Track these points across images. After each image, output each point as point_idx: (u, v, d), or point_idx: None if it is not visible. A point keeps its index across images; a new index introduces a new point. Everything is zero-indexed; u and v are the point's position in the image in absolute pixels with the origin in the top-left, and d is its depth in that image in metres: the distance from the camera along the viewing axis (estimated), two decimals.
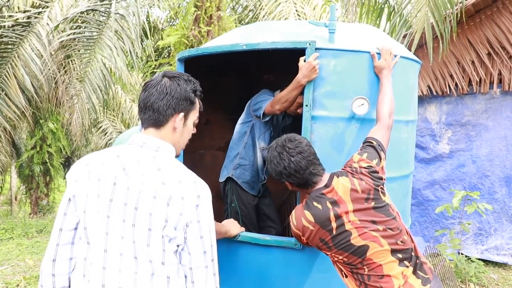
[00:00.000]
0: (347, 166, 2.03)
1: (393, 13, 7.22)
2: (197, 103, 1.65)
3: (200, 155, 3.72)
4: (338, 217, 1.89)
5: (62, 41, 6.45)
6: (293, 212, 2.03)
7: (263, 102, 2.91)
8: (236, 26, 9.26)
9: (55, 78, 6.61)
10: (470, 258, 5.05)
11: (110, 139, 15.49)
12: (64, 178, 17.03)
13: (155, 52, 11.12)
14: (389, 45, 2.43)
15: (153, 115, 1.53)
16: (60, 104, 7.03)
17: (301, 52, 2.30)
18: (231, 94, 3.80)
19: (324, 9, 9.08)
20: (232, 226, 2.39)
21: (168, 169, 1.48)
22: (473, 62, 5.41)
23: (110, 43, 6.41)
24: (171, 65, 8.45)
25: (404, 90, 2.52)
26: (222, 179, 3.19)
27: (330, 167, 2.32)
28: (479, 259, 5.15)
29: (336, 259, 1.95)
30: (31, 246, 6.42)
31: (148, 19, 9.28)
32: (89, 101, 6.43)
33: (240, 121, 3.18)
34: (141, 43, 9.17)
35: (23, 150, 13.74)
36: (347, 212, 1.89)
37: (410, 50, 5.32)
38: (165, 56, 11.13)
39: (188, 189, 1.46)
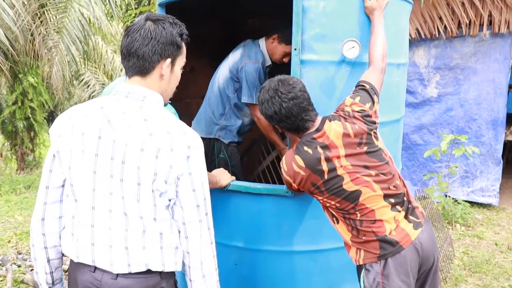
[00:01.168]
0: (339, 110, 1.96)
1: None
2: (184, 48, 1.54)
3: (186, 104, 3.63)
4: (329, 160, 1.84)
5: None
6: (283, 158, 1.98)
7: (255, 96, 2.85)
8: None
9: (30, 29, 6.32)
10: (456, 200, 5.15)
11: (93, 92, 15.19)
12: (48, 133, 16.81)
13: (134, 0, 10.70)
14: None
15: (138, 62, 1.42)
16: (38, 57, 6.78)
17: None
18: (216, 41, 3.65)
19: None
20: (222, 176, 2.34)
21: (156, 119, 1.41)
22: (463, 3, 5.27)
23: None
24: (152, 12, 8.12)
25: (395, 32, 2.42)
26: (204, 135, 3.08)
27: (321, 112, 2.25)
28: (465, 201, 5.26)
29: (328, 204, 1.93)
30: (19, 202, 6.38)
31: None
32: (69, 53, 6.20)
33: (222, 77, 3.03)
34: None
35: (4, 106, 13.43)
36: (338, 157, 1.85)
37: None
38: (145, 4, 10.73)
39: (178, 140, 1.39)
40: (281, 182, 3.36)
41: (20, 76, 11.72)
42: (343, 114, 1.92)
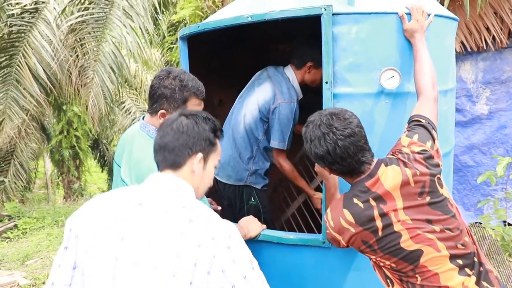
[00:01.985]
0: (396, 152, 1.68)
1: None
2: (218, 144, 1.46)
3: None
4: (384, 215, 1.57)
5: (71, 25, 6.21)
6: (328, 210, 1.71)
7: (287, 140, 2.60)
8: None
9: (68, 63, 6.42)
10: None
11: (134, 118, 15.45)
12: (95, 159, 17.28)
13: (171, 26, 10.82)
14: (420, 2, 2.05)
15: (169, 156, 1.37)
16: (77, 90, 6.88)
17: (316, 19, 1.95)
18: (244, 70, 3.47)
19: None
20: (251, 226, 2.12)
21: (194, 206, 1.28)
22: None
23: (119, 22, 6.13)
24: None
25: (440, 55, 2.15)
26: (233, 181, 2.75)
27: None
28: None
29: (382, 264, 1.65)
30: (60, 235, 6.39)
31: None
32: (104, 85, 6.22)
33: (250, 116, 2.66)
34: (156, 18, 8.87)
35: (52, 136, 13.87)
36: (395, 210, 1.57)
37: (442, 5, 4.84)
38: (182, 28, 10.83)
39: (218, 229, 1.22)
40: (310, 229, 3.09)
41: (64, 107, 12.10)
42: (402, 157, 1.63)
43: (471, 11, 4.73)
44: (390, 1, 2.02)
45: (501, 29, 4.96)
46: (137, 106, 15.44)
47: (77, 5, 6.44)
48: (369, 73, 1.97)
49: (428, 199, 1.58)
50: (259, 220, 2.44)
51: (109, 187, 18.10)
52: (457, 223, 1.61)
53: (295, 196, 3.30)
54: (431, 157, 1.63)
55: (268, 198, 2.87)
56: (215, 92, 3.27)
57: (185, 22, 10.19)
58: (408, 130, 1.74)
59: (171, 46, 10.28)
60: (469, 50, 5.19)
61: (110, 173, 17.67)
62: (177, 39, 9.75)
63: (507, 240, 4.33)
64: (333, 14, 1.90)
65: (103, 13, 6.26)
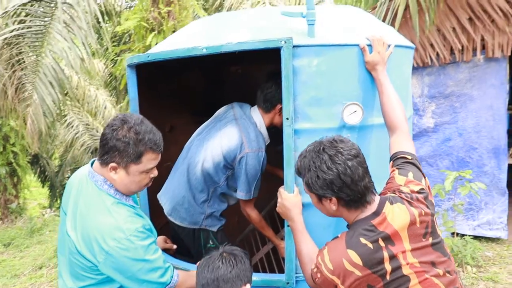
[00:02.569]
0: (396, 191, 1.60)
1: None
2: None
3: (167, 168, 3.29)
4: (393, 257, 1.48)
5: (6, 39, 5.79)
6: (324, 251, 1.56)
7: (253, 190, 2.41)
8: (197, 3, 8.66)
9: (3, 79, 5.99)
10: (464, 236, 4.82)
11: (77, 133, 14.80)
12: (35, 175, 16.36)
13: (115, 37, 10.46)
14: (380, 33, 2.02)
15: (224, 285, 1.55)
16: (16, 95, 6.41)
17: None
18: (196, 94, 3.35)
19: None
20: None
21: None
22: (454, 29, 5.04)
23: (60, 36, 5.79)
24: (132, 50, 7.82)
25: (401, 85, 2.13)
26: (187, 224, 2.54)
27: None
28: (472, 236, 4.94)
29: None
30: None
31: (100, 5, 8.57)
32: (43, 103, 5.85)
33: (211, 162, 2.42)
34: (99, 28, 8.50)
35: None
36: (404, 252, 1.49)
37: (386, 15, 4.94)
38: (126, 40, 10.48)
39: None
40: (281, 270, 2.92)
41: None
42: (405, 196, 1.56)
43: (420, 32, 4.85)
44: (351, 32, 1.97)
45: (444, 46, 5.13)
46: (80, 120, 14.80)
47: (12, 17, 6.03)
48: (330, 107, 1.91)
49: (430, 240, 1.53)
50: None
51: (51, 203, 17.21)
52: (453, 265, 1.57)
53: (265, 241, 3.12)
54: (428, 196, 1.59)
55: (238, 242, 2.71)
56: (165, 118, 3.12)
57: (130, 33, 9.89)
58: (398, 169, 1.68)
59: (115, 58, 9.93)
60: (415, 65, 5.32)
61: (52, 188, 16.79)
62: (121, 50, 9.45)
63: (456, 251, 4.45)
64: (293, 47, 1.82)
65: (42, 26, 5.90)
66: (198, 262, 1.67)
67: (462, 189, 4.28)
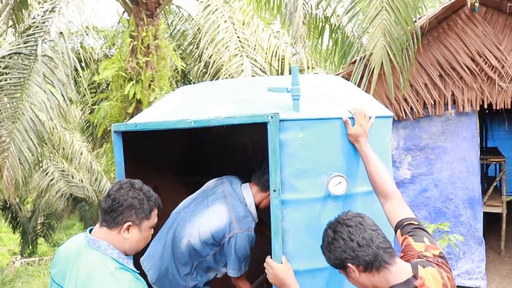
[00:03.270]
0: (420, 256, 1.64)
1: (335, 31, 7.10)
2: None
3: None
4: None
5: None
6: None
7: (244, 267, 2.40)
8: (175, 51, 8.82)
9: None
10: None
11: (52, 179, 14.51)
12: (6, 220, 15.81)
13: (92, 84, 10.48)
14: (361, 104, 2.12)
15: None
16: None
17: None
18: (178, 154, 3.38)
19: (263, 30, 8.87)
20: None
21: None
22: (426, 84, 5.28)
23: (39, 89, 5.80)
24: (110, 99, 7.84)
25: (382, 153, 2.21)
26: None
27: (308, 256, 1.98)
28: None
29: None
30: None
31: (78, 52, 8.64)
32: (21, 154, 5.77)
33: (198, 238, 2.41)
34: (76, 77, 8.52)
35: None
36: None
37: (362, 78, 5.14)
38: (104, 88, 10.52)
39: None
40: None
41: None
42: (432, 260, 1.61)
43: (394, 89, 5.05)
44: (334, 105, 2.06)
45: (417, 100, 5.35)
46: (55, 166, 14.56)
47: None
48: (316, 178, 1.97)
49: None
50: None
51: (22, 249, 16.59)
52: None
53: None
54: (445, 258, 1.65)
55: None
56: (149, 178, 3.11)
57: (108, 82, 9.96)
58: (411, 236, 1.72)
59: (93, 107, 9.92)
60: None
61: (24, 234, 16.25)
62: (100, 99, 9.47)
63: None
64: (280, 121, 1.89)
65: (22, 79, 5.90)
66: None
67: (441, 241, 4.35)
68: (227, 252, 2.34)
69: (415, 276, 1.56)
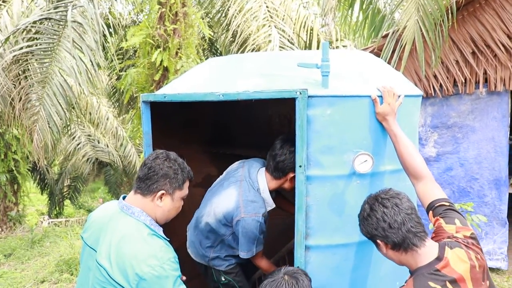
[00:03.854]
0: (451, 237, 1.67)
1: (366, 3, 6.92)
2: None
3: None
4: None
5: (15, 55, 5.87)
6: None
7: (255, 248, 2.44)
8: (203, 19, 8.75)
9: (10, 96, 6.06)
10: None
11: (79, 143, 14.85)
12: (34, 182, 16.34)
13: (120, 50, 10.54)
14: (390, 82, 2.09)
15: None
16: (23, 110, 6.47)
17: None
18: (204, 125, 3.41)
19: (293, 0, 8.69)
20: None
21: None
22: (457, 61, 5.14)
23: (68, 54, 5.87)
24: (137, 66, 7.90)
25: (409, 133, 2.19)
26: (199, 260, 2.72)
27: (330, 232, 2.01)
28: None
29: None
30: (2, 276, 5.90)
31: (106, 18, 8.64)
32: (50, 119, 5.91)
33: (213, 217, 2.52)
34: (104, 43, 8.57)
35: None
36: None
37: (393, 53, 5.02)
38: (131, 55, 10.57)
39: None
40: None
41: (1, 130, 11.38)
42: (462, 241, 1.64)
43: (425, 66, 4.94)
44: (363, 83, 2.04)
45: (447, 78, 5.22)
46: (82, 130, 14.86)
47: (22, 33, 6.12)
48: (342, 155, 1.97)
49: (488, 283, 1.60)
50: None
51: (49, 210, 17.18)
52: None
53: None
54: (477, 239, 1.67)
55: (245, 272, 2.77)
56: (176, 147, 3.16)
57: (135, 48, 9.99)
58: (442, 217, 1.75)
59: (120, 73, 10.01)
60: None
61: (51, 196, 16.78)
62: (127, 66, 9.53)
63: None
64: (308, 97, 1.89)
65: (52, 44, 5.98)
66: (261, 283, 1.75)
67: None
68: (237, 235, 2.42)
69: (439, 258, 1.59)
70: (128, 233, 1.72)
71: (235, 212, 2.39)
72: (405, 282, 1.64)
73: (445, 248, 1.61)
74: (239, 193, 2.43)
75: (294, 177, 2.22)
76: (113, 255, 1.69)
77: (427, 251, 1.61)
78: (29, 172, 14.60)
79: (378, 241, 1.67)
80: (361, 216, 1.72)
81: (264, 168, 2.52)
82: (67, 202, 18.13)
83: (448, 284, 1.55)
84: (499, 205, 5.25)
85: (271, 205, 2.48)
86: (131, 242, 1.69)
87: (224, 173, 2.75)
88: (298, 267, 1.87)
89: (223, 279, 2.66)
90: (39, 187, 16.65)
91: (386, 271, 2.20)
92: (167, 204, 1.83)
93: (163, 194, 1.81)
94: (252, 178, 2.48)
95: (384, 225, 1.62)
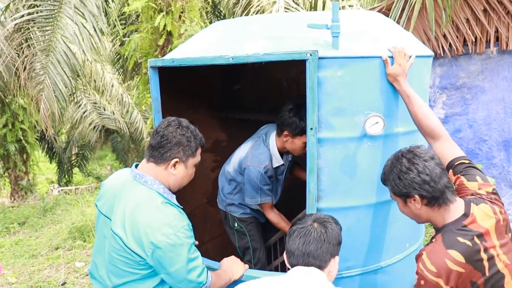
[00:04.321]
0: (474, 194, 1.69)
1: None
2: None
3: None
4: (489, 254, 1.57)
5: (17, 24, 5.80)
6: (423, 257, 1.61)
7: (260, 197, 2.70)
8: None
9: (15, 65, 6.02)
10: None
11: (85, 111, 14.87)
12: (43, 151, 16.49)
13: (122, 15, 10.37)
14: (401, 43, 2.05)
15: (314, 261, 1.60)
16: (28, 79, 6.46)
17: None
18: (212, 90, 3.38)
19: None
20: (234, 268, 2.11)
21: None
22: (467, 20, 5.01)
23: (71, 21, 5.79)
24: (140, 31, 7.79)
25: (420, 94, 2.14)
26: (219, 205, 3.07)
27: (341, 194, 2.02)
28: None
29: None
30: (13, 245, 6.02)
31: None
32: (56, 88, 5.89)
33: (232, 166, 2.87)
34: (106, 8, 8.42)
35: None
36: (494, 247, 1.58)
37: (402, 12, 4.91)
38: (133, 20, 10.41)
39: None
40: None
41: (7, 99, 11.38)
42: (486, 197, 1.66)
43: (426, 19, 4.83)
44: (373, 43, 2.00)
45: (457, 37, 5.11)
46: (87, 98, 14.85)
47: (22, 0, 6.02)
48: (353, 117, 1.95)
49: (510, 235, 1.63)
50: (246, 244, 2.92)
51: (59, 178, 17.41)
52: None
53: None
54: (498, 194, 1.69)
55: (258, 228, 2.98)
56: (185, 113, 3.16)
57: (137, 13, 9.81)
58: (463, 175, 1.76)
59: (123, 39, 9.87)
60: None
61: (60, 164, 16.98)
62: (130, 31, 9.39)
63: None
64: (319, 58, 1.86)
65: (53, 11, 5.89)
66: (290, 229, 1.72)
67: None
68: (245, 182, 2.71)
69: (465, 214, 1.61)
70: (141, 201, 1.73)
71: (243, 160, 2.72)
72: (433, 239, 1.66)
73: (470, 204, 1.63)
74: (252, 146, 2.75)
75: (287, 135, 2.55)
76: (128, 224, 1.71)
77: (456, 207, 1.63)
78: (37, 141, 14.72)
79: (415, 195, 1.64)
80: (397, 170, 1.67)
81: (274, 131, 2.75)
82: (75, 170, 18.32)
83: (475, 238, 1.57)
84: (508, 166, 5.24)
85: (279, 161, 2.70)
86: (145, 211, 1.70)
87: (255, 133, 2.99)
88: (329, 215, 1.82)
89: (236, 225, 2.92)
90: (47, 156, 16.82)
91: (396, 232, 2.22)
92: (181, 172, 1.83)
93: (176, 162, 1.80)
94: (267, 136, 2.75)
95: (427, 178, 1.60)
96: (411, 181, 1.62)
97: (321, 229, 1.64)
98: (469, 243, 1.57)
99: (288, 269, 1.66)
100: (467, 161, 1.80)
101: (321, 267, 1.59)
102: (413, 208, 1.69)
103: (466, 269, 1.55)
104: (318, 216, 1.73)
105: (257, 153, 2.66)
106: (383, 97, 1.98)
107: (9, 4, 5.73)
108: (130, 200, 1.75)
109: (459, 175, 1.77)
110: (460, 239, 1.57)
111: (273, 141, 2.69)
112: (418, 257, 1.66)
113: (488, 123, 5.25)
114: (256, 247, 2.94)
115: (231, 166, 2.86)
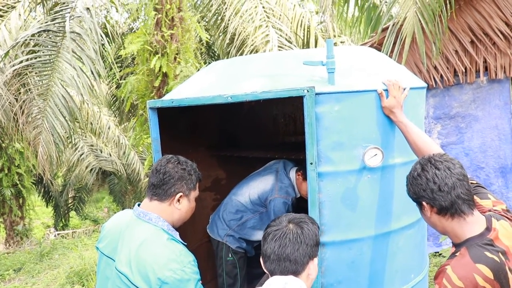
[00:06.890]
0: (491, 210, 1.66)
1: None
2: None
3: None
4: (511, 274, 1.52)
5: (16, 69, 5.89)
6: (448, 271, 1.53)
7: None
8: (199, 23, 8.75)
9: (13, 110, 6.08)
10: None
11: (82, 154, 14.87)
12: (39, 195, 16.34)
13: (118, 58, 10.54)
14: (395, 76, 2.11)
15: (290, 266, 1.54)
16: (25, 123, 6.49)
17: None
18: (211, 129, 3.42)
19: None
20: None
21: None
22: (456, 51, 5.14)
23: (69, 65, 5.89)
24: (136, 73, 7.91)
25: (416, 125, 2.20)
26: (214, 236, 3.13)
27: (344, 228, 2.02)
28: None
29: None
30: None
31: (103, 26, 8.64)
32: (54, 131, 5.93)
33: (247, 198, 3.04)
34: (103, 51, 8.58)
35: None
36: None
37: (394, 46, 5.04)
38: (129, 62, 10.58)
39: None
40: None
41: (3, 144, 11.39)
42: (504, 214, 1.63)
43: (417, 53, 4.95)
44: (368, 77, 2.05)
45: (447, 68, 5.23)
46: (84, 141, 14.89)
47: (21, 47, 6.14)
48: (352, 150, 1.98)
49: None
50: (235, 277, 3.02)
51: (55, 222, 17.20)
52: None
53: None
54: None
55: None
56: (185, 152, 3.18)
57: (133, 56, 9.99)
58: (475, 193, 1.72)
59: (120, 81, 9.99)
60: None
61: (56, 208, 16.81)
62: (126, 74, 9.53)
63: None
64: (316, 94, 1.90)
65: (51, 56, 6.00)
66: (265, 231, 1.65)
67: None
68: (268, 211, 2.90)
69: (488, 228, 1.56)
70: (147, 238, 1.74)
71: (270, 193, 2.93)
72: (457, 253, 1.59)
73: (491, 219, 1.59)
74: (276, 179, 2.98)
75: (300, 175, 2.91)
76: (134, 261, 1.70)
77: (475, 220, 1.58)
78: (33, 185, 14.63)
79: (424, 203, 1.62)
80: (411, 176, 1.66)
81: (296, 167, 3.02)
82: (72, 213, 18.14)
83: (500, 254, 1.52)
84: (506, 192, 5.25)
85: (296, 194, 2.99)
86: (151, 247, 1.71)
87: (262, 168, 3.21)
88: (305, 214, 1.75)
89: (230, 255, 3.03)
90: (44, 199, 16.68)
91: (401, 263, 2.21)
92: (185, 206, 1.87)
93: (181, 196, 1.84)
94: (287, 171, 3.03)
95: (434, 186, 1.57)
96: (420, 188, 1.61)
97: (297, 230, 1.57)
98: (497, 259, 1.51)
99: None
100: (474, 181, 1.80)
101: (298, 272, 1.53)
102: (426, 216, 1.67)
103: (494, 285, 1.49)
104: (294, 216, 1.66)
105: (284, 186, 2.91)
106: (380, 129, 2.02)
107: (8, 51, 5.83)
108: (135, 238, 1.76)
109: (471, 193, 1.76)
110: (488, 254, 1.51)
111: (293, 177, 2.98)
112: (439, 273, 1.59)
113: (483, 150, 5.30)
114: (242, 283, 3.08)
115: (245, 197, 3.02)
